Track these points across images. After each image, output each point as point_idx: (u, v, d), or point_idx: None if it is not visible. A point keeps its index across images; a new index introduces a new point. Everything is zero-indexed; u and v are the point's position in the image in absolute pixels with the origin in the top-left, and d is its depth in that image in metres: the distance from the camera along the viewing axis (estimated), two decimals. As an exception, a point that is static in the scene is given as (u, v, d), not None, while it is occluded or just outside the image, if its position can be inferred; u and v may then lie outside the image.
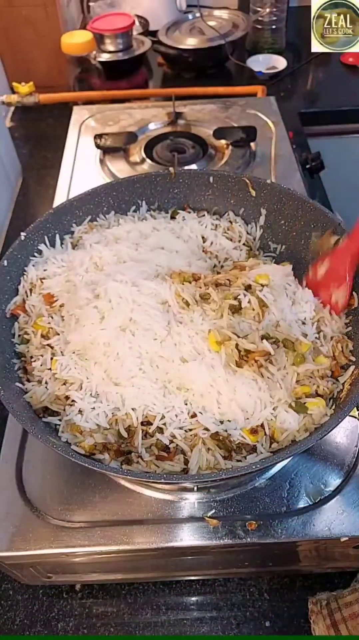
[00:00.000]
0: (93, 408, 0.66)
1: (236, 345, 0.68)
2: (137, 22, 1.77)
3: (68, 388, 0.68)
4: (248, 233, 0.89)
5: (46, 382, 0.70)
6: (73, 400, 0.67)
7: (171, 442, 0.65)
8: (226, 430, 0.65)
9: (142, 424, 0.66)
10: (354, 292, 0.74)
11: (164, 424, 0.65)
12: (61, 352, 0.71)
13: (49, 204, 1.16)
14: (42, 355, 0.72)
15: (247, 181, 0.87)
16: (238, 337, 0.68)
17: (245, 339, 0.68)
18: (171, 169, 0.90)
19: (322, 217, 0.79)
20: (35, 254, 0.82)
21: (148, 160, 1.24)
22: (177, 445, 0.65)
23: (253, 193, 0.87)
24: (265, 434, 0.65)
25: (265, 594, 0.79)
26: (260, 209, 0.88)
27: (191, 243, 0.86)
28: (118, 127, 1.36)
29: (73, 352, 0.70)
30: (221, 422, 0.65)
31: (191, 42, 1.65)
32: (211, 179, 0.89)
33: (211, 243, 0.87)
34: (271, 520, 0.69)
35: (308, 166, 1.29)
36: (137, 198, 0.90)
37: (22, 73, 1.54)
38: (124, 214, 0.90)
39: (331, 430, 0.59)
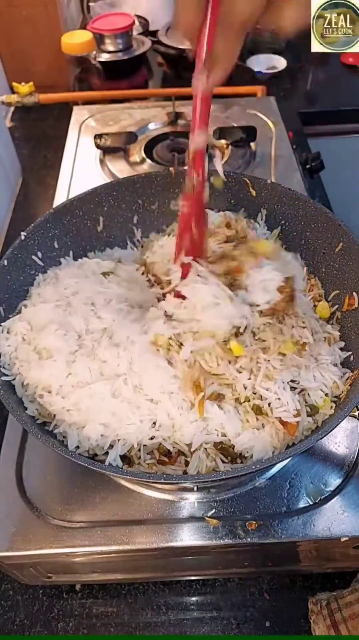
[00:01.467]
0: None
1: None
2: (137, 22, 1.77)
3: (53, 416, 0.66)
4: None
5: (32, 400, 0.68)
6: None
7: (173, 447, 0.65)
8: (230, 440, 0.64)
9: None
10: (354, 292, 0.74)
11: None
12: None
13: (49, 204, 1.16)
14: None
15: (247, 181, 0.86)
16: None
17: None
18: (171, 168, 0.89)
19: (322, 217, 0.79)
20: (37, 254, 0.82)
21: (148, 160, 1.24)
22: (178, 449, 0.65)
23: (253, 193, 0.87)
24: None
25: (265, 594, 0.79)
26: (260, 209, 0.88)
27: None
28: (118, 127, 1.36)
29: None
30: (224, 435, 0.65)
31: (191, 42, 1.65)
32: (211, 178, 0.89)
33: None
34: (271, 520, 0.69)
35: (308, 166, 1.29)
36: (137, 198, 0.90)
37: (22, 73, 1.54)
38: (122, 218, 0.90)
39: (332, 430, 0.59)
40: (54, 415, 0.65)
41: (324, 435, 0.59)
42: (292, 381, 0.67)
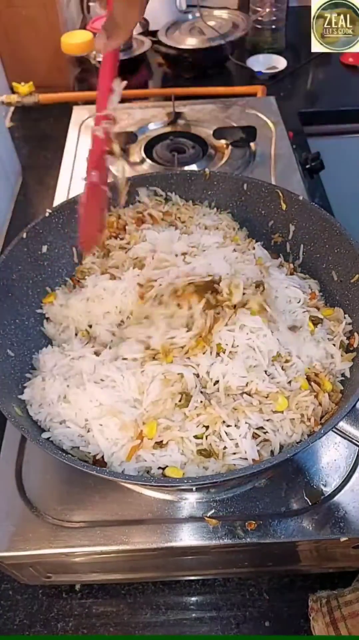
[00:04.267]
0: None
1: None
2: (136, 22, 1.77)
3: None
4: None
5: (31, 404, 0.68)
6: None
7: None
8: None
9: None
10: (356, 333, 0.72)
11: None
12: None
13: (49, 204, 1.16)
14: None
15: (279, 193, 0.84)
16: None
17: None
18: (206, 170, 0.89)
19: (345, 244, 0.76)
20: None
21: (148, 160, 1.24)
22: None
23: (284, 207, 0.85)
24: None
25: (265, 594, 0.79)
26: (289, 225, 0.85)
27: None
28: (118, 127, 1.35)
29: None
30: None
31: (191, 42, 1.65)
32: (245, 185, 0.88)
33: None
34: (270, 520, 0.69)
35: (307, 166, 1.29)
36: (171, 194, 0.91)
37: (22, 73, 1.54)
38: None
39: (330, 429, 0.59)
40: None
41: (324, 435, 0.59)
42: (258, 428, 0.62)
